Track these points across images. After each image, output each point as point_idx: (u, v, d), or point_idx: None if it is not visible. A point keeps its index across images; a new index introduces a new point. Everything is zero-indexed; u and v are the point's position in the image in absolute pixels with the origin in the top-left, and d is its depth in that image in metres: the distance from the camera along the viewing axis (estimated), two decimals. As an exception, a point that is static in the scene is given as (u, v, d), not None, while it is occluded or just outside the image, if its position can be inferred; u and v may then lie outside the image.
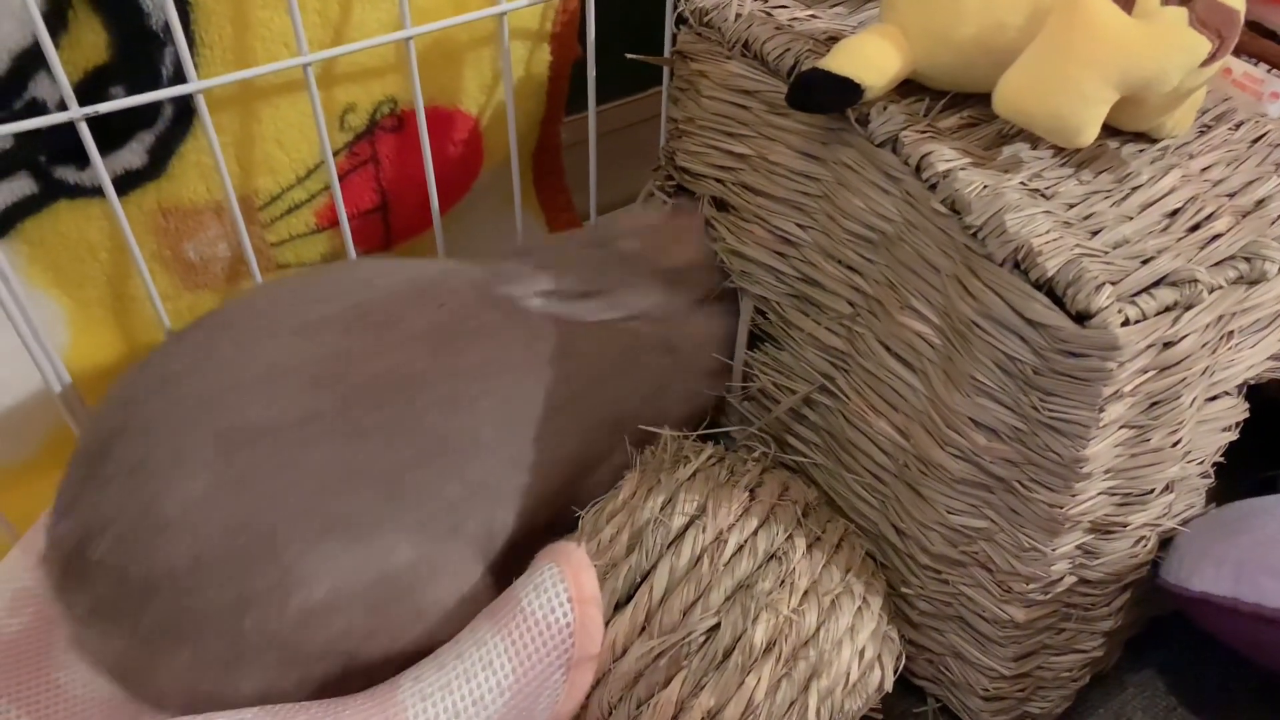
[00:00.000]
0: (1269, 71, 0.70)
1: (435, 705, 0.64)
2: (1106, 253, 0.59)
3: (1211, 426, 0.67)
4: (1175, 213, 0.63)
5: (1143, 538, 0.68)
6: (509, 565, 0.71)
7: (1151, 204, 0.63)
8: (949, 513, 0.69)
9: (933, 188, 0.62)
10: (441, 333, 0.69)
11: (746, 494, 0.70)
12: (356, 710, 0.65)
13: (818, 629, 0.66)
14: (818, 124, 0.70)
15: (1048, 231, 0.58)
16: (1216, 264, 0.59)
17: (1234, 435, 0.69)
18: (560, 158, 0.98)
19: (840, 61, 0.64)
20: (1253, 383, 0.67)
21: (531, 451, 0.70)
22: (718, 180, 0.80)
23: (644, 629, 0.66)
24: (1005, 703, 0.77)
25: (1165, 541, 0.71)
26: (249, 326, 0.67)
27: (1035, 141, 0.66)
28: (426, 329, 0.68)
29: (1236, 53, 0.76)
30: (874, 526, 0.76)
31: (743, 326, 0.83)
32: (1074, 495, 0.63)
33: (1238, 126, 0.70)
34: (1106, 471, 0.63)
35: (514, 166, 0.87)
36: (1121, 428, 0.61)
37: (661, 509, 0.68)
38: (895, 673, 0.71)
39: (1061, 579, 0.68)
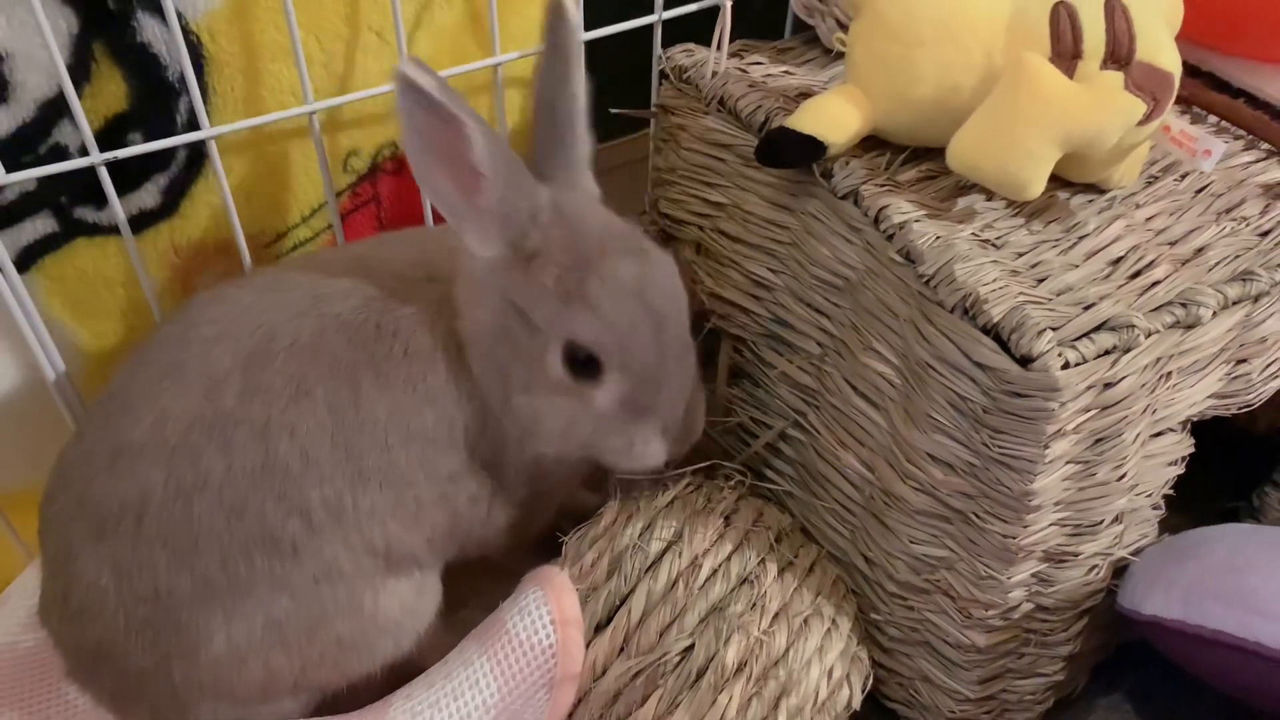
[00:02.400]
0: (1207, 128, 0.75)
1: (425, 717, 0.68)
2: (1050, 299, 0.63)
3: (1158, 461, 0.71)
4: (1118, 261, 0.67)
5: (1095, 566, 0.72)
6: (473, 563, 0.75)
7: (1096, 252, 0.68)
8: (912, 542, 0.73)
9: (890, 238, 0.67)
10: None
11: (722, 521, 0.74)
12: None
13: (787, 649, 0.70)
14: (786, 177, 0.75)
15: (994, 280, 0.63)
16: (1154, 309, 0.64)
17: (1180, 469, 0.73)
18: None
19: (805, 120, 0.69)
20: (1196, 419, 0.71)
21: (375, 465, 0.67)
22: (698, 227, 0.85)
23: (623, 650, 0.70)
24: (972, 725, 0.80)
25: (1120, 570, 0.75)
26: (128, 389, 0.67)
27: (989, 194, 0.71)
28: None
29: (1190, 105, 0.81)
30: (845, 555, 0.80)
31: (722, 365, 0.87)
32: (1026, 526, 0.67)
33: (1183, 177, 0.75)
34: (1056, 504, 0.67)
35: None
36: (1068, 463, 0.65)
37: (640, 535, 0.72)
38: (863, 691, 0.75)
39: (1019, 605, 0.72)
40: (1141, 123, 0.65)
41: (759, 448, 0.85)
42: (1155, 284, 0.65)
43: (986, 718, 0.80)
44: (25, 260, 0.73)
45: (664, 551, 0.72)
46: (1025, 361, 0.60)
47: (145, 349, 0.68)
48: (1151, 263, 0.67)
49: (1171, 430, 0.70)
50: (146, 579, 0.63)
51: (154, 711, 0.68)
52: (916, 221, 0.66)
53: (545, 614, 0.70)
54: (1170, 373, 0.66)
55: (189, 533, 0.63)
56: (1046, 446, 0.62)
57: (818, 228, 0.73)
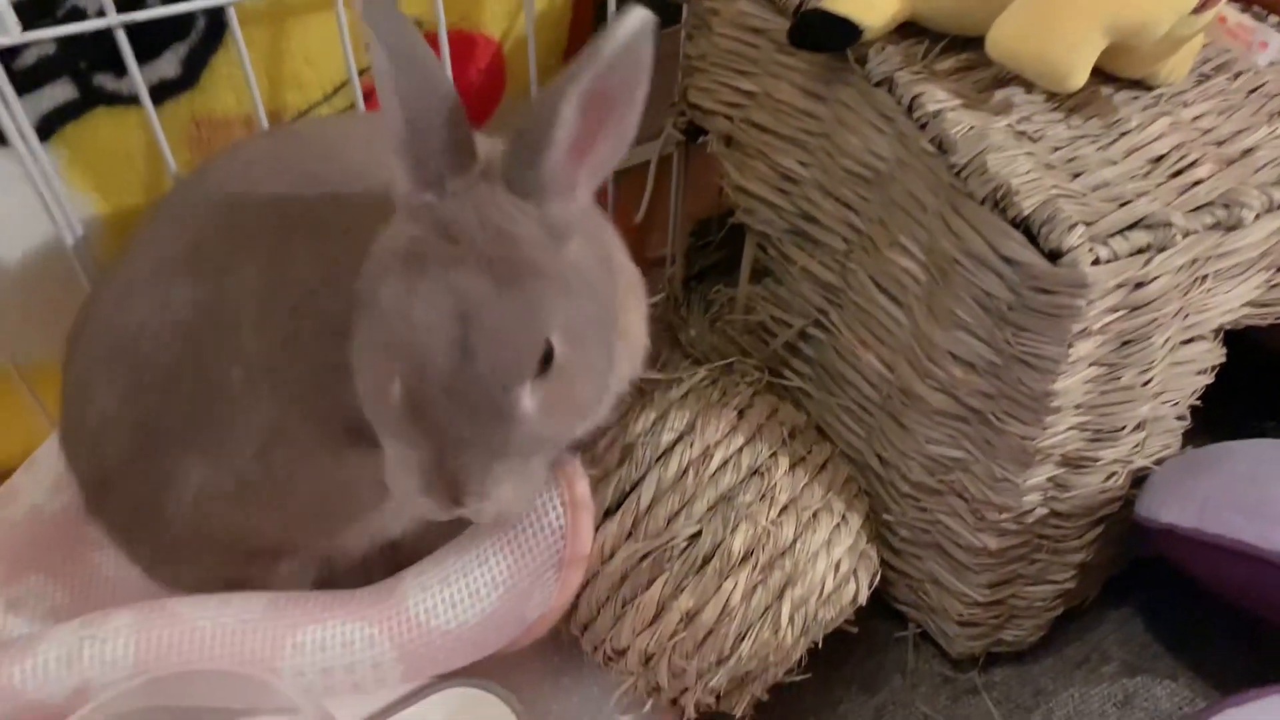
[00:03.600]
0: (1264, 21, 0.71)
1: (434, 596, 0.69)
2: (1084, 194, 0.61)
3: (1186, 369, 0.69)
4: (1159, 159, 0.65)
5: (1113, 473, 0.71)
6: None
7: (1137, 149, 0.65)
8: (928, 443, 0.72)
9: (922, 127, 0.65)
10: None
11: (735, 414, 0.73)
12: (364, 598, 0.70)
13: (795, 540, 0.70)
14: (820, 63, 0.73)
15: (1028, 172, 0.61)
16: (1194, 209, 0.61)
17: (1209, 379, 0.71)
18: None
19: (840, 2, 0.66)
20: (1229, 328, 0.69)
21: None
22: (727, 117, 0.83)
23: (630, 534, 0.70)
24: (980, 629, 0.80)
25: (1139, 480, 0.74)
26: (143, 228, 0.70)
27: (1029, 86, 0.68)
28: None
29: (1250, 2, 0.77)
30: (860, 456, 0.79)
31: (745, 261, 0.86)
32: (1044, 429, 0.65)
33: (1236, 76, 0.72)
34: (1077, 407, 0.65)
35: (533, 96, 0.90)
36: (1091, 365, 0.63)
37: (652, 425, 0.72)
38: (870, 588, 0.75)
39: (1033, 510, 0.71)
40: (1195, 11, 0.62)
41: (778, 346, 0.84)
42: (1197, 183, 0.63)
43: (994, 622, 0.80)
44: (46, 128, 0.73)
45: (675, 441, 0.72)
46: (1054, 256, 0.58)
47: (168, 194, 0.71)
48: (1195, 162, 0.64)
49: (1203, 338, 0.68)
50: (141, 408, 0.65)
51: (154, 551, 0.70)
52: (951, 111, 0.64)
53: (555, 497, 0.70)
54: (1206, 276, 0.64)
55: (172, 369, 0.64)
56: (1070, 346, 0.61)
57: (850, 117, 0.71)
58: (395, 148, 0.56)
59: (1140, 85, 0.70)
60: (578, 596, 0.73)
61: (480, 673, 0.74)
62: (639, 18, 0.52)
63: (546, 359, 0.57)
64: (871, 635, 0.86)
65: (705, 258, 1.05)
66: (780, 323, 0.84)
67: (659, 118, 0.98)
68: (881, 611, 0.87)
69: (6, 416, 0.84)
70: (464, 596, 0.69)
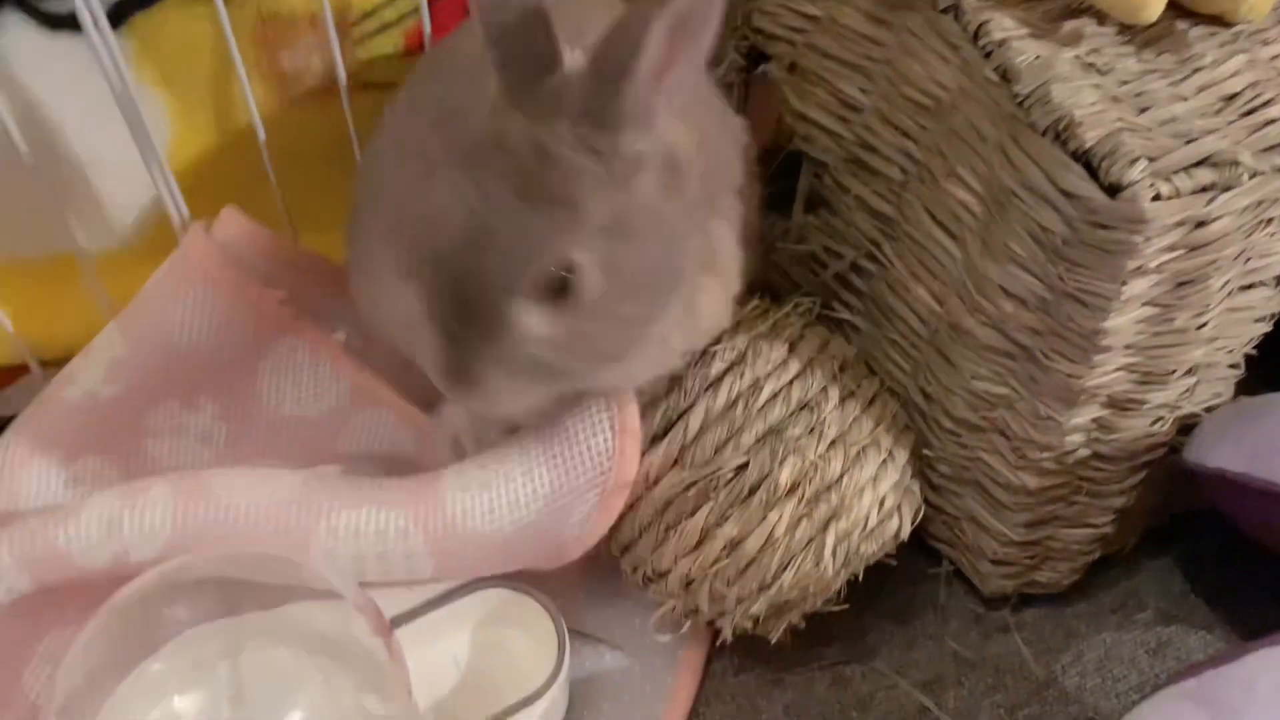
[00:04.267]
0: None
1: (473, 498, 0.70)
2: (1150, 129, 0.60)
3: (1244, 316, 0.68)
4: (1232, 97, 0.63)
5: (1160, 418, 0.71)
6: None
7: (1209, 86, 0.63)
8: (973, 378, 0.72)
9: (987, 55, 0.64)
10: None
11: (786, 346, 0.73)
12: (402, 487, 0.72)
13: (842, 475, 0.70)
14: (888, -13, 0.71)
15: (1093, 104, 0.59)
16: (1265, 149, 0.60)
17: (1267, 327, 0.70)
18: (643, 10, 1.00)
19: (912, -77, 0.65)
20: (1293, 276, 0.68)
21: None
22: (789, 43, 0.82)
23: (677, 462, 0.71)
24: (1014, 568, 0.81)
25: (1187, 428, 0.73)
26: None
27: (1102, 18, 0.66)
28: None
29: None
30: (904, 390, 0.80)
31: (801, 190, 0.86)
32: (1092, 368, 0.65)
33: (1320, 17, 0.69)
34: (1127, 347, 0.65)
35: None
36: (1144, 304, 0.62)
37: (702, 355, 0.73)
38: (913, 523, 0.76)
39: (1075, 450, 0.71)
40: (1280, -57, 0.59)
41: (828, 277, 0.84)
42: (1269, 123, 0.61)
43: (1029, 562, 0.80)
44: (117, 16, 0.74)
45: (725, 372, 0.72)
46: (1113, 191, 0.57)
47: None
48: (1269, 101, 0.63)
49: (1264, 284, 0.67)
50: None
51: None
52: (1018, 40, 0.63)
53: (605, 420, 0.72)
54: (1272, 219, 0.62)
55: None
56: (1124, 284, 0.60)
57: (914, 44, 0.70)
58: (487, 47, 0.57)
59: (1218, 21, 0.68)
60: (620, 518, 0.74)
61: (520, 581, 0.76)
62: None
63: (561, 287, 0.58)
64: (905, 569, 0.87)
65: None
66: (832, 253, 0.83)
67: (718, 45, 0.98)
68: (916, 547, 0.87)
69: (67, 305, 0.86)
70: (503, 504, 0.71)
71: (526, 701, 0.71)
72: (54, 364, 0.85)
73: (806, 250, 0.86)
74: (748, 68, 0.91)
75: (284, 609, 0.71)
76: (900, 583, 0.86)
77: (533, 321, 0.59)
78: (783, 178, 1.01)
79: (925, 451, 0.79)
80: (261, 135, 0.81)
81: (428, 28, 0.83)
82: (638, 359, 0.67)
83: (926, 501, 0.82)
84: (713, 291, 0.71)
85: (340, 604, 0.68)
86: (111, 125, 0.79)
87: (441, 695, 0.75)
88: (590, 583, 0.84)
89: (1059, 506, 0.76)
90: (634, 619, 0.82)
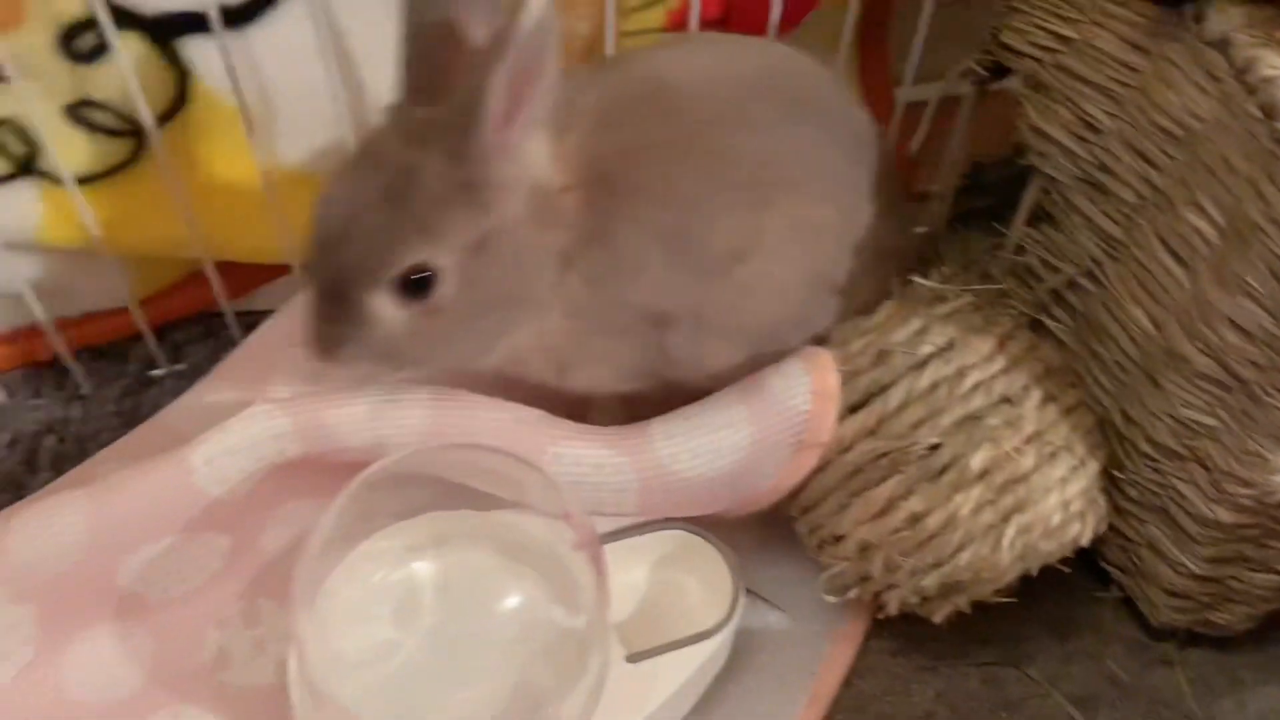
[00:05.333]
0: None
1: (679, 444, 0.76)
2: None
3: None
4: None
5: (1378, 473, 0.70)
6: None
7: None
8: (1181, 405, 0.73)
9: (1252, 92, 0.65)
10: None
11: (995, 341, 0.76)
12: (616, 432, 0.77)
13: (1032, 471, 0.73)
14: (1153, 16, 0.73)
15: (1358, 149, 0.60)
16: None
17: None
18: (893, 11, 1.03)
19: (1192, -45, 0.67)
20: None
21: None
22: (1036, 60, 0.84)
23: (873, 432, 0.75)
24: (1188, 603, 0.81)
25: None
26: None
27: (1375, 67, 0.66)
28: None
29: None
30: (1103, 409, 0.81)
31: (1025, 203, 0.88)
32: (1312, 409, 0.66)
33: None
34: (1353, 394, 0.65)
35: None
36: (1380, 353, 0.63)
37: (913, 336, 0.76)
38: (1094, 532, 0.77)
39: (1277, 491, 0.71)
40: None
41: (1043, 290, 0.86)
42: None
43: (1205, 599, 0.81)
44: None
45: (933, 355, 0.75)
46: (1369, 235, 0.58)
47: None
48: None
49: None
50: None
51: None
52: (1286, 78, 0.64)
53: (806, 383, 0.76)
54: None
55: None
56: (1363, 328, 0.61)
57: (1173, 74, 0.72)
58: (396, 55, 0.68)
59: None
60: (806, 480, 0.79)
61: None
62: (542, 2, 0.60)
63: (421, 286, 0.67)
64: (1073, 588, 0.88)
65: (972, 200, 1.07)
66: (1049, 268, 0.85)
67: (943, 58, 1.01)
68: (1088, 568, 0.89)
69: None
70: (707, 451, 0.76)
71: (700, 637, 0.76)
72: (309, 269, 0.95)
73: (1023, 262, 0.88)
74: (985, 80, 0.94)
75: (493, 513, 0.79)
76: (1066, 600, 0.88)
77: (388, 314, 0.68)
78: (997, 193, 1.04)
79: (1116, 473, 0.80)
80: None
81: (696, 10, 0.89)
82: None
83: (1108, 524, 0.83)
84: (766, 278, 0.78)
85: (544, 516, 0.75)
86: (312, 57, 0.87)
87: (617, 621, 0.80)
88: (761, 543, 0.88)
89: (1248, 547, 0.76)
90: (800, 585, 0.86)
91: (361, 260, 0.67)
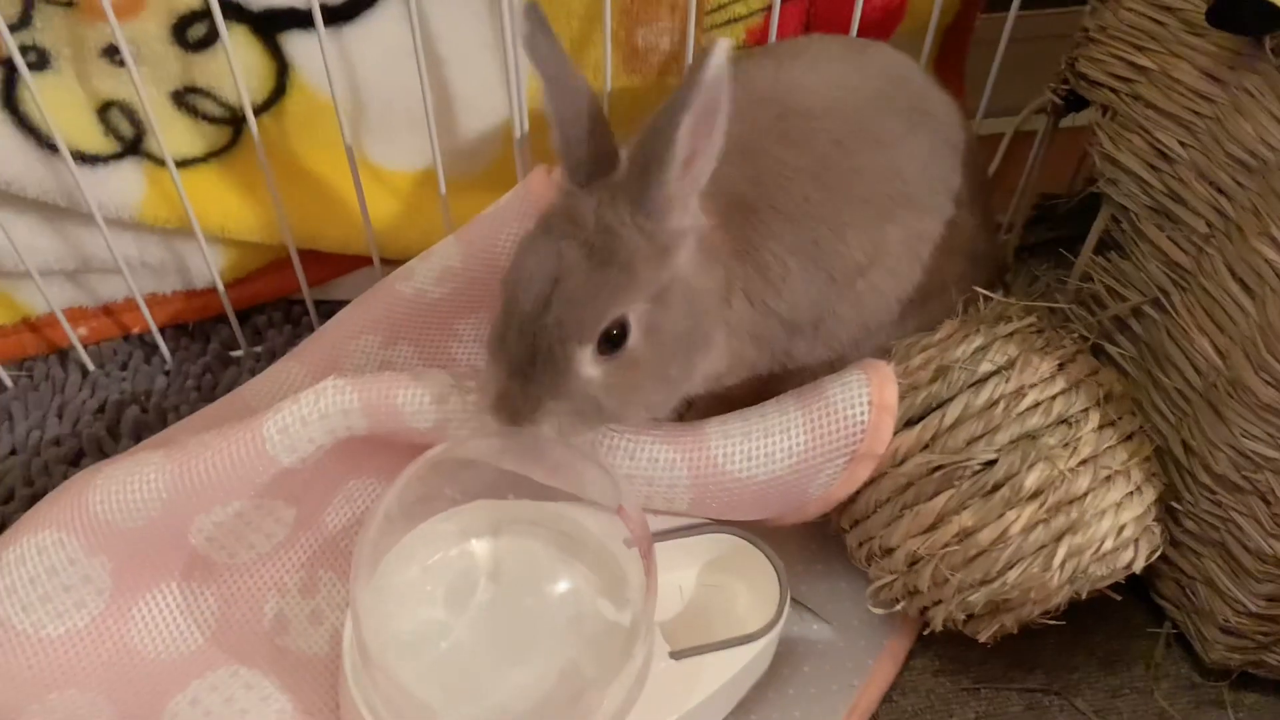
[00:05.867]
0: None
1: (734, 445, 0.77)
2: None
3: None
4: None
5: None
6: None
7: None
8: (1243, 437, 0.72)
9: (1328, 121, 0.65)
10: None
11: (1056, 364, 0.76)
12: (671, 429, 0.79)
13: (1086, 493, 0.72)
14: (1231, 47, 0.73)
15: None
16: None
17: None
18: (968, 41, 1.05)
19: (1272, -15, 0.67)
20: None
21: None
22: (1112, 90, 0.85)
23: (927, 446, 0.75)
24: (1243, 641, 0.80)
25: None
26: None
27: None
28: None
29: None
30: (1163, 440, 0.80)
31: (1095, 231, 0.88)
32: (1378, 445, 0.65)
33: None
34: None
35: (931, 28, 0.95)
36: None
37: (973, 354, 0.76)
38: (1147, 560, 0.76)
39: (1338, 529, 0.70)
40: None
41: (1107, 317, 0.86)
42: None
43: (1261, 638, 0.79)
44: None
45: (992, 373, 0.76)
46: None
47: None
48: None
49: None
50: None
51: None
52: (1364, 110, 0.64)
53: (865, 394, 0.77)
54: None
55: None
56: None
57: (1249, 104, 0.72)
58: (556, 148, 0.72)
59: None
60: (857, 492, 0.79)
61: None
62: (722, 49, 0.63)
63: (617, 339, 0.70)
64: (1124, 622, 0.87)
65: (1041, 232, 1.07)
66: (1115, 295, 0.85)
67: (1015, 92, 1.02)
68: (1140, 601, 0.88)
69: (415, 214, 0.99)
70: (761, 454, 0.77)
71: (744, 640, 0.77)
72: (388, 262, 0.99)
73: (1089, 289, 0.88)
74: (1060, 110, 0.95)
75: (549, 504, 0.81)
76: (1118, 634, 0.87)
77: (588, 371, 0.70)
78: (1067, 226, 1.04)
79: (1174, 504, 0.80)
80: (606, 99, 0.92)
81: (775, 28, 0.91)
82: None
83: (1163, 557, 0.82)
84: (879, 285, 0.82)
85: (598, 510, 0.77)
86: (485, 67, 0.91)
87: (663, 619, 0.81)
88: (812, 556, 0.89)
89: (1308, 587, 0.75)
90: (847, 599, 0.86)
91: (571, 319, 0.69)
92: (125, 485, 0.75)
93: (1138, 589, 0.87)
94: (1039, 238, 1.08)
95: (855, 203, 0.80)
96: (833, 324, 0.83)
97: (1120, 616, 0.88)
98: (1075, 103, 0.93)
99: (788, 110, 0.81)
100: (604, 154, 0.71)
